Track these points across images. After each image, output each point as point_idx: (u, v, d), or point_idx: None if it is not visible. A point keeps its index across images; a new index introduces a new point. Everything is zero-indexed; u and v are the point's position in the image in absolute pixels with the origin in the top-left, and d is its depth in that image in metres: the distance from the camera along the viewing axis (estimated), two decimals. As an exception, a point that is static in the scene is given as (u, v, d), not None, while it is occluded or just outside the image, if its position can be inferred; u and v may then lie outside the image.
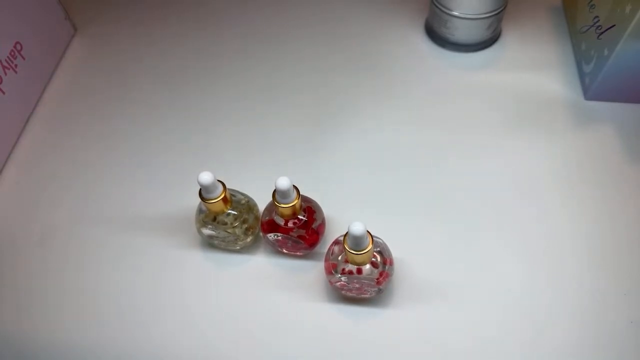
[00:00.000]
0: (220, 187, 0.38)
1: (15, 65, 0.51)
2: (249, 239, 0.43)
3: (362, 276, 0.37)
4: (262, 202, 0.43)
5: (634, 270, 0.41)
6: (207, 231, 0.41)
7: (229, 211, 0.40)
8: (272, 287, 0.42)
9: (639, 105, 0.51)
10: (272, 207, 0.40)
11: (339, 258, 0.38)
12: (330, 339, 0.40)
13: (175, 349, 0.40)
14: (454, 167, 0.48)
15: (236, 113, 0.53)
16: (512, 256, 0.43)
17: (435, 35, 0.57)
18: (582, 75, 0.53)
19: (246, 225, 0.41)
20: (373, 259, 0.38)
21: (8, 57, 0.50)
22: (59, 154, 0.52)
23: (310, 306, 0.41)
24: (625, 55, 0.46)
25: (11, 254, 0.45)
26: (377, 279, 0.37)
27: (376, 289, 0.38)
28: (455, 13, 0.52)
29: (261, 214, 0.42)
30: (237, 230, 0.41)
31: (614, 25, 0.46)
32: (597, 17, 0.50)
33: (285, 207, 0.38)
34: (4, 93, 0.50)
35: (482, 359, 0.38)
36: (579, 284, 0.41)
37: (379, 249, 0.39)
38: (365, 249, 0.35)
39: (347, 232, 0.34)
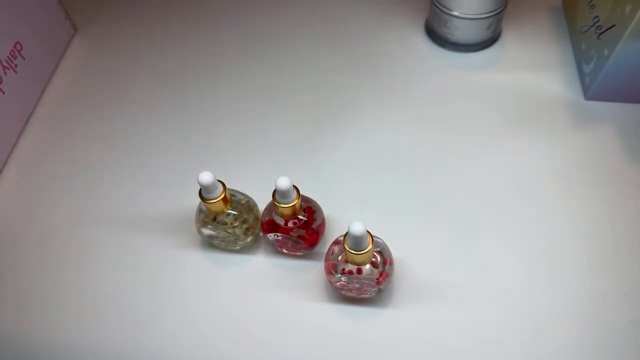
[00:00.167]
0: (220, 187, 0.38)
1: (15, 65, 0.51)
2: (249, 239, 0.43)
3: (362, 276, 0.37)
4: (262, 202, 0.43)
5: (634, 270, 0.41)
6: (207, 231, 0.41)
7: (229, 211, 0.40)
8: (272, 287, 0.42)
9: (639, 105, 0.51)
10: (272, 207, 0.40)
11: (339, 258, 0.38)
12: (330, 339, 0.40)
13: (175, 349, 0.40)
14: (454, 167, 0.48)
15: (236, 113, 0.53)
16: (512, 256, 0.43)
17: (435, 35, 0.57)
18: (582, 75, 0.53)
19: (246, 225, 0.41)
20: (373, 259, 0.38)
21: (8, 57, 0.50)
22: (59, 154, 0.52)
23: (310, 306, 0.41)
24: (625, 55, 0.46)
25: (11, 254, 0.45)
26: (377, 279, 0.37)
27: (376, 289, 0.38)
28: (455, 13, 0.52)
29: (261, 214, 0.42)
30: (237, 230, 0.41)
31: (614, 25, 0.46)
32: (597, 17, 0.50)
33: (285, 207, 0.38)
34: (4, 93, 0.50)
35: (482, 359, 0.38)
36: (579, 284, 0.41)
37: (379, 249, 0.39)
38: (365, 249, 0.35)
39: (347, 232, 0.34)
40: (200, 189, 0.38)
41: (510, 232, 0.44)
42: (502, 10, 0.53)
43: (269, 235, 0.41)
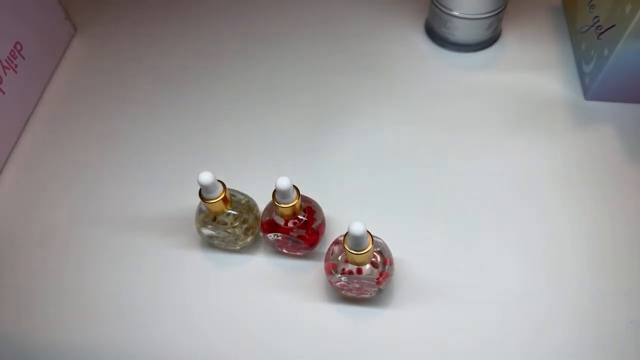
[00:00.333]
0: (220, 187, 0.38)
1: (15, 65, 0.51)
2: (249, 239, 0.43)
3: (362, 276, 0.37)
4: (262, 202, 0.43)
5: (634, 270, 0.41)
6: (207, 231, 0.41)
7: (229, 211, 0.40)
8: (272, 287, 0.42)
9: (639, 105, 0.51)
10: (272, 207, 0.40)
11: (339, 258, 0.38)
12: (330, 339, 0.40)
13: (175, 349, 0.40)
14: (454, 167, 0.48)
15: (236, 113, 0.53)
16: (512, 256, 0.43)
17: (435, 35, 0.57)
18: (582, 75, 0.53)
19: (246, 225, 0.41)
20: (373, 259, 0.38)
21: (8, 57, 0.50)
22: (59, 154, 0.52)
23: (310, 306, 0.41)
24: (625, 55, 0.46)
25: (11, 254, 0.45)
26: (377, 279, 0.37)
27: (376, 289, 0.38)
28: (455, 13, 0.52)
29: (261, 214, 0.42)
30: (237, 230, 0.41)
31: (614, 25, 0.46)
32: (597, 17, 0.50)
33: (285, 207, 0.38)
34: (4, 93, 0.50)
35: (482, 359, 0.38)
36: (579, 284, 0.41)
37: (379, 249, 0.39)
38: (365, 249, 0.35)
39: (347, 232, 0.34)
40: (200, 189, 0.38)
41: (510, 232, 0.44)
42: (502, 10, 0.53)
43: (269, 235, 0.41)
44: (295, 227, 0.40)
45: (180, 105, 0.54)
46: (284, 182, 0.36)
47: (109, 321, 0.42)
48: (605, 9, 0.48)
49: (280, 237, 0.41)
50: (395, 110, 0.52)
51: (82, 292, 0.43)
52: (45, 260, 0.45)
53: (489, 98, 0.53)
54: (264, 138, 0.51)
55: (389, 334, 0.40)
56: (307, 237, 0.40)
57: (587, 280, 0.41)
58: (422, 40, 0.58)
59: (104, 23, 0.63)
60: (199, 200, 0.39)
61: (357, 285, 0.38)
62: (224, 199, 0.38)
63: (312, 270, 0.43)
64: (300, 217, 0.40)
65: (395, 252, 0.40)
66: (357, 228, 0.33)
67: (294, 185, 0.37)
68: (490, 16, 0.52)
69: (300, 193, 0.38)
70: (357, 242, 0.34)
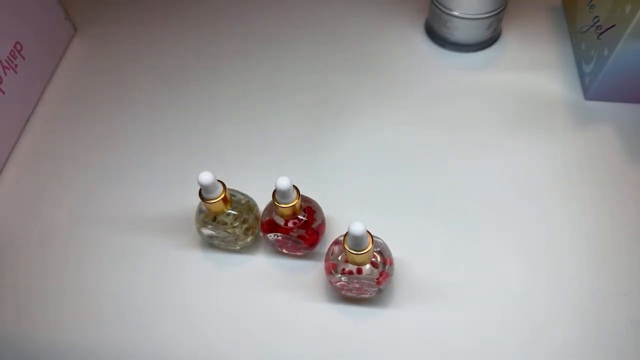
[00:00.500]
0: (220, 187, 0.38)
1: (15, 65, 0.51)
2: (249, 239, 0.43)
3: (362, 276, 0.37)
4: (262, 202, 0.43)
5: (634, 270, 0.41)
6: (207, 231, 0.41)
7: (229, 211, 0.40)
8: (272, 287, 0.42)
9: (639, 105, 0.51)
10: (272, 207, 0.40)
11: (339, 258, 0.38)
12: (330, 339, 0.40)
13: (175, 349, 0.40)
14: (454, 167, 0.48)
15: (236, 113, 0.53)
16: (512, 256, 0.43)
17: (435, 35, 0.57)
18: (582, 75, 0.53)
19: (246, 225, 0.41)
20: (373, 259, 0.38)
21: (8, 57, 0.50)
22: (59, 154, 0.52)
23: (310, 306, 0.41)
24: (625, 55, 0.46)
25: (11, 254, 0.45)
26: (377, 279, 0.37)
27: (376, 289, 0.38)
28: (455, 13, 0.52)
29: (261, 214, 0.42)
30: (237, 230, 0.41)
31: (614, 25, 0.46)
32: (597, 17, 0.50)
33: (285, 207, 0.38)
34: (4, 93, 0.50)
35: (482, 359, 0.38)
36: (579, 284, 0.41)
37: (379, 249, 0.39)
38: (365, 249, 0.35)
39: (347, 232, 0.34)
40: (200, 189, 0.38)
41: (510, 232, 0.44)
42: (502, 10, 0.53)
43: (269, 235, 0.41)
44: (295, 227, 0.40)
45: (180, 105, 0.54)
46: (284, 182, 0.36)
47: (109, 321, 0.42)
48: (605, 9, 0.48)
49: (280, 237, 0.41)
50: (395, 110, 0.52)
51: (82, 292, 0.43)
52: (45, 260, 0.45)
53: (489, 98, 0.53)
54: (264, 138, 0.51)
55: (389, 334, 0.40)
56: (307, 237, 0.40)
57: (587, 280, 0.41)
58: (422, 40, 0.58)
59: (104, 23, 0.63)
60: (199, 200, 0.39)
61: (357, 285, 0.38)
62: (224, 199, 0.38)
63: (312, 270, 0.43)
64: (300, 217, 0.40)
65: (395, 252, 0.40)
66: (357, 228, 0.33)
67: (294, 185, 0.37)
68: (490, 16, 0.52)
69: (300, 193, 0.38)
70: (357, 242, 0.34)
